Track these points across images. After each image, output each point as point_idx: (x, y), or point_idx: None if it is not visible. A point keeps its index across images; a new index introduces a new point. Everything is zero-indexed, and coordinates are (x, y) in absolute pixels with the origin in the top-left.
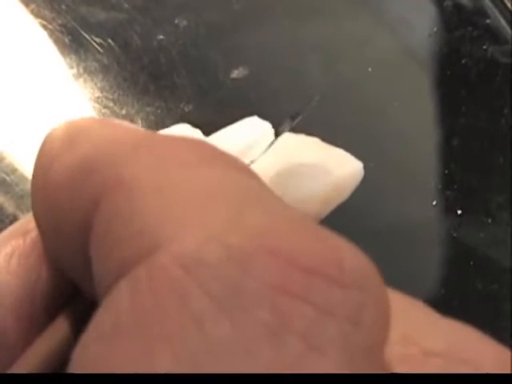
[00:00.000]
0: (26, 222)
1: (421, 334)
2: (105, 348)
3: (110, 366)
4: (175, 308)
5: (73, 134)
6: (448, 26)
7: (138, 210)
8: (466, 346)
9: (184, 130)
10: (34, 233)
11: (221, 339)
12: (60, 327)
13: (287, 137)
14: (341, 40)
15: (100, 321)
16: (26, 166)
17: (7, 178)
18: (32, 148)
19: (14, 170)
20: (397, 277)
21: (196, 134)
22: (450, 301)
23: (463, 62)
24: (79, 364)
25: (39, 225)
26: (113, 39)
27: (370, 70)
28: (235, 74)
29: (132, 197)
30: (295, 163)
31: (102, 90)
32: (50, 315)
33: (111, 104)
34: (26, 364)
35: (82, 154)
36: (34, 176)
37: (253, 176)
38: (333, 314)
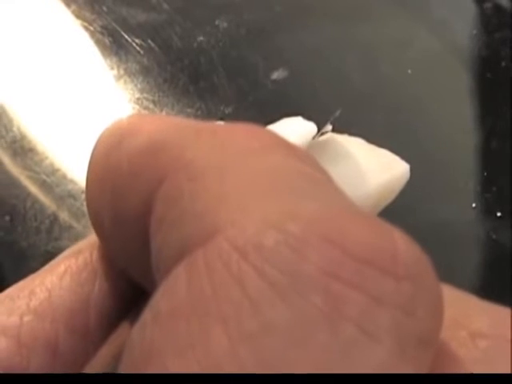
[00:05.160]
0: (78, 245)
1: (467, 317)
2: (161, 329)
3: (165, 348)
4: (232, 292)
5: (134, 125)
6: (488, 28)
7: (199, 191)
8: (510, 324)
9: None
10: (86, 252)
11: (277, 322)
12: (125, 329)
13: (331, 137)
14: (381, 41)
15: (157, 303)
16: (66, 168)
17: (47, 180)
18: (71, 149)
19: (55, 172)
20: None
21: None
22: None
23: (503, 64)
24: (136, 345)
25: (96, 218)
26: (153, 40)
27: (409, 71)
28: (275, 75)
29: (193, 178)
30: (342, 164)
31: (142, 91)
32: (104, 327)
33: (151, 105)
34: (97, 363)
35: (146, 140)
36: (90, 169)
37: (314, 165)
38: (385, 303)
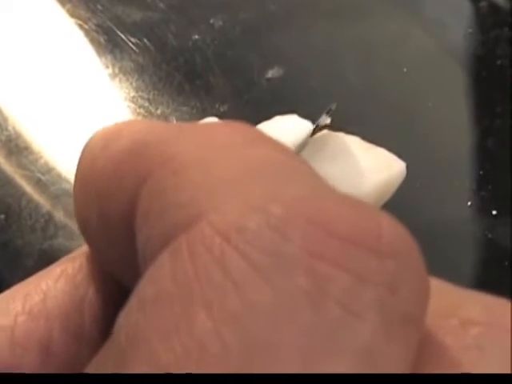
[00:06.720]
0: (75, 252)
1: (458, 306)
2: (146, 315)
3: (151, 332)
4: (215, 275)
5: (118, 130)
6: (483, 27)
7: (182, 182)
8: (502, 312)
9: None
10: (82, 257)
11: (261, 304)
12: None
13: (327, 135)
14: (376, 40)
15: (142, 289)
16: (61, 166)
17: (43, 178)
18: (67, 148)
19: (50, 170)
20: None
21: None
22: None
23: (498, 62)
24: (122, 332)
25: (84, 223)
26: (148, 39)
27: (405, 70)
28: (270, 73)
29: (176, 171)
30: (340, 162)
31: (137, 89)
32: (99, 329)
33: (146, 104)
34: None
35: (129, 141)
36: (76, 175)
37: (295, 157)
38: (369, 281)
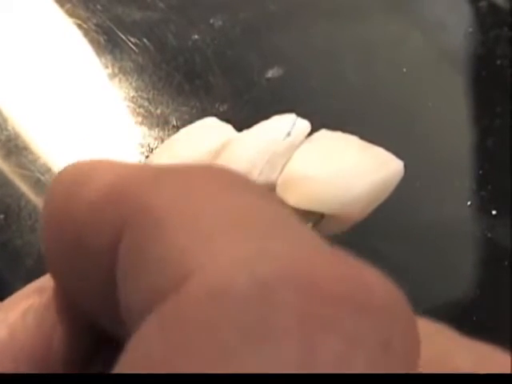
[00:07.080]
0: (42, 281)
1: (449, 355)
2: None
3: None
4: (203, 341)
5: (89, 170)
6: (483, 27)
7: (164, 237)
8: (493, 362)
9: (211, 124)
10: (50, 290)
11: (250, 372)
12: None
13: (324, 134)
14: (376, 40)
15: (131, 354)
16: (60, 166)
17: (42, 178)
18: (66, 147)
19: (49, 170)
20: (431, 277)
21: (225, 128)
22: (484, 301)
23: (498, 62)
24: None
25: (52, 259)
26: (148, 39)
27: (404, 70)
28: (270, 73)
29: (158, 225)
30: (336, 162)
31: (136, 89)
32: (68, 364)
33: (146, 103)
34: None
35: (104, 185)
36: (48, 215)
37: (276, 203)
38: (362, 342)
